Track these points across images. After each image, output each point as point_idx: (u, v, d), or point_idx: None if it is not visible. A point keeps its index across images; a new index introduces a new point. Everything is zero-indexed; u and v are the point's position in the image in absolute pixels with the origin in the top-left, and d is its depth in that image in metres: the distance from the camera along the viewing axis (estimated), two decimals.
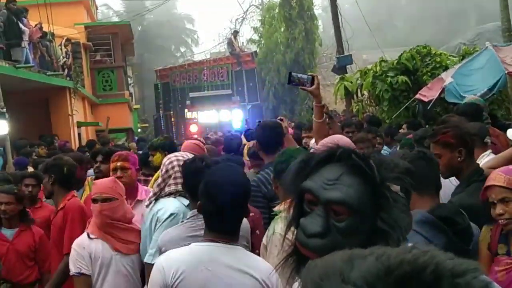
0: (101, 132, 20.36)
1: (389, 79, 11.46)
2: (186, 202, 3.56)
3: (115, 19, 42.79)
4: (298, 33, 27.86)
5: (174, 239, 2.97)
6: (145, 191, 4.76)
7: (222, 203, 2.46)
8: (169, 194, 3.68)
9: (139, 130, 33.09)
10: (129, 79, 32.02)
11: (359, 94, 13.55)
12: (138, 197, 4.72)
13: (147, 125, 36.78)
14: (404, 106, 10.88)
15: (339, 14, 17.69)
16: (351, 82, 13.65)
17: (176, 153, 3.99)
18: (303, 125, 8.45)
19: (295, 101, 28.17)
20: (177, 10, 53.08)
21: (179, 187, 3.64)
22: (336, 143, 1.53)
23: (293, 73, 4.37)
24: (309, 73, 4.85)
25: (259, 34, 31.57)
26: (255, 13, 33.70)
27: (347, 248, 1.03)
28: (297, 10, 28.03)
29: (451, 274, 0.71)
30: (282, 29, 28.95)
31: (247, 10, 33.91)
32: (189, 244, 2.58)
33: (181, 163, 3.53)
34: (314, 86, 4.31)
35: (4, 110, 10.98)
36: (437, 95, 9.37)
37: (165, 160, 3.79)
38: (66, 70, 19.28)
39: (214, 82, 26.86)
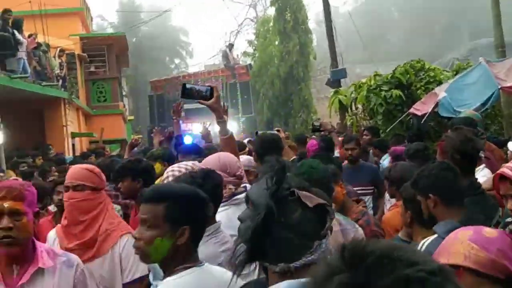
0: (95, 143, 20.31)
1: (383, 93, 11.51)
2: None
3: (110, 30, 42.83)
4: (292, 47, 28.01)
5: (209, 258, 2.57)
6: (52, 253, 2.80)
7: None
8: None
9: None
10: (123, 90, 32.00)
11: (353, 108, 13.60)
12: (39, 264, 2.67)
13: (141, 136, 36.67)
14: (398, 120, 10.93)
15: (333, 28, 17.81)
16: (345, 96, 13.72)
17: (176, 164, 3.73)
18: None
19: (289, 114, 28.26)
20: (172, 22, 53.24)
21: None
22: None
23: (187, 85, 3.84)
24: (207, 85, 4.67)
25: (254, 47, 31.74)
26: (250, 26, 33.91)
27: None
28: (291, 24, 28.21)
29: None
30: (277, 42, 29.11)
31: (241, 23, 34.11)
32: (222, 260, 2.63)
33: (176, 174, 3.38)
34: (212, 100, 3.82)
35: None
36: (431, 109, 9.43)
37: (168, 170, 3.62)
38: (60, 81, 19.26)
39: None
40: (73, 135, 19.74)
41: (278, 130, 6.43)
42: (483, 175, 4.32)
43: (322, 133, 9.54)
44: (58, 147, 16.01)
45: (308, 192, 1.68)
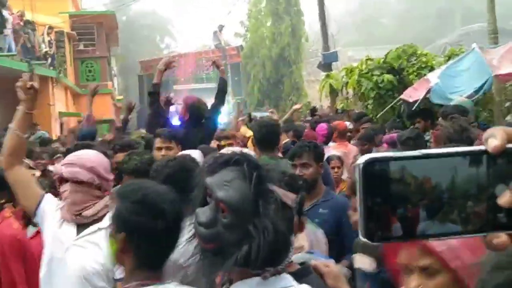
0: None
1: (374, 77, 11.43)
2: None
3: (100, 8, 42.37)
4: (284, 28, 27.82)
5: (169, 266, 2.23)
6: None
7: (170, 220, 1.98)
8: None
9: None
10: (112, 69, 31.73)
11: (344, 92, 13.52)
12: None
13: (130, 116, 36.47)
14: (390, 106, 10.85)
15: (325, 11, 17.65)
16: (336, 80, 13.64)
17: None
18: None
19: (279, 97, 28.15)
20: (162, 0, 52.76)
21: None
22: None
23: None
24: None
25: (245, 28, 31.46)
26: (242, 5, 33.59)
27: (227, 239, 1.55)
28: (284, 5, 27.97)
29: None
30: (269, 24, 28.87)
31: (234, 3, 33.76)
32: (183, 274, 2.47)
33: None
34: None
35: None
36: (423, 95, 9.33)
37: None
38: (49, 59, 19.02)
39: (198, 75, 26.67)
40: (61, 115, 19.52)
41: (271, 112, 6.32)
42: None
43: (316, 117, 9.44)
44: (45, 127, 15.81)
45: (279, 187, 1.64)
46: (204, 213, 1.63)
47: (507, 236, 0.74)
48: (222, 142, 5.79)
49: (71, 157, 3.00)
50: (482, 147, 0.72)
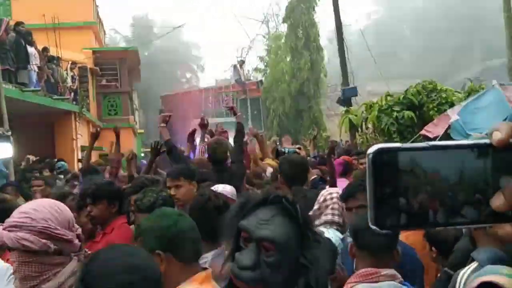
0: (105, 156, 20.32)
1: (394, 113, 11.47)
2: (340, 235, 3.51)
3: (123, 44, 43.10)
4: (303, 64, 28.01)
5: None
6: None
7: None
8: (324, 223, 3.64)
9: (142, 154, 33.07)
10: (134, 104, 32.12)
11: (364, 127, 13.55)
12: None
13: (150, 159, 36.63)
14: (410, 141, 10.86)
15: (345, 47, 17.79)
16: (356, 115, 13.69)
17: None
18: None
19: (299, 131, 28.21)
20: (184, 37, 53.52)
21: (336, 218, 3.63)
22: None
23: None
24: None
25: (265, 63, 31.78)
26: (261, 42, 33.99)
27: (274, 279, 1.53)
28: (303, 41, 28.23)
29: None
30: (288, 59, 29.12)
31: (253, 39, 34.20)
32: None
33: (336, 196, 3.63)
34: None
35: (9, 133, 10.98)
36: (443, 131, 9.35)
37: (325, 192, 3.79)
38: (72, 94, 19.34)
39: (219, 109, 26.93)
40: (83, 149, 19.74)
41: (299, 148, 6.32)
42: None
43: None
44: (68, 161, 16.00)
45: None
46: (246, 256, 1.59)
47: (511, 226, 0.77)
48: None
49: (16, 215, 2.20)
50: (487, 141, 0.74)
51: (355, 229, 2.51)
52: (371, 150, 0.75)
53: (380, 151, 0.74)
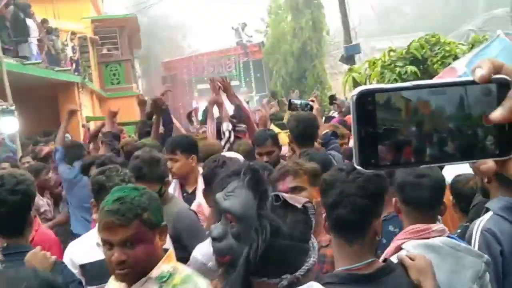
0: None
1: (397, 69, 11.37)
2: None
3: (122, 11, 42.62)
4: (305, 22, 27.65)
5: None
6: None
7: None
8: None
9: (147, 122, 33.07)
10: (136, 71, 31.99)
11: (368, 84, 13.50)
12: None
13: (155, 117, 36.64)
14: None
15: (345, 2, 17.57)
16: (359, 73, 13.61)
17: None
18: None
19: (303, 91, 28.04)
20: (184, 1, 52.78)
21: None
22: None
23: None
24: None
25: (266, 24, 31.41)
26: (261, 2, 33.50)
27: (240, 250, 1.50)
28: None
29: None
30: (289, 19, 28.75)
31: None
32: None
33: None
34: None
35: (13, 107, 10.99)
36: None
37: None
38: (73, 65, 19.25)
39: (221, 73, 26.78)
40: (88, 119, 19.77)
41: (312, 101, 6.13)
42: None
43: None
44: (72, 132, 16.01)
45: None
46: (215, 227, 1.63)
47: (493, 162, 0.78)
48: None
49: None
50: (470, 78, 0.75)
51: (402, 183, 2.46)
52: (355, 92, 0.75)
53: (363, 93, 0.74)
